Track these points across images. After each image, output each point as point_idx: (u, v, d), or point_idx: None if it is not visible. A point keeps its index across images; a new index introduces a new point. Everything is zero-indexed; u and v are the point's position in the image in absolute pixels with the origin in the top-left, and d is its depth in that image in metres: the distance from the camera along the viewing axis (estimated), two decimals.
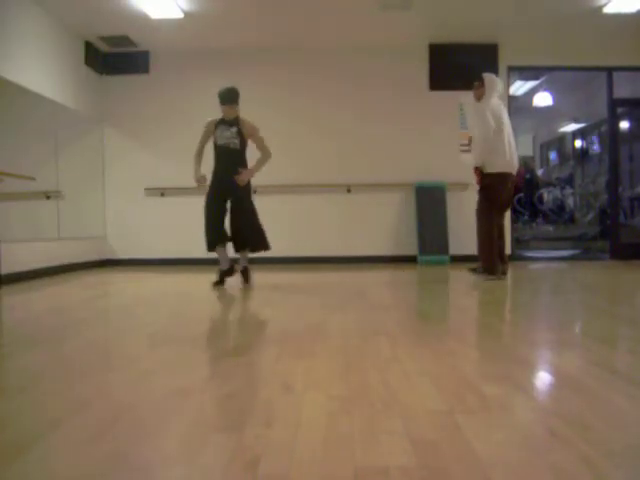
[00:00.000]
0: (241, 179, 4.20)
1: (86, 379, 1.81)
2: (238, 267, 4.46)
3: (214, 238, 4.24)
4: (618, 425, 1.32)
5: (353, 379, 1.73)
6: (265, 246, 4.35)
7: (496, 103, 4.59)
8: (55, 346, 2.32)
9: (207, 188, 4.30)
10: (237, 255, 4.44)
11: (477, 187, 4.70)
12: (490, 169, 4.54)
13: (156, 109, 6.86)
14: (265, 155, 4.37)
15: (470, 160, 4.81)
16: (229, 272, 4.39)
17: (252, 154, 4.41)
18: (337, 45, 6.69)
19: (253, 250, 4.39)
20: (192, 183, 6.59)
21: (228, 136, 4.21)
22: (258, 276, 4.88)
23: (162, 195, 6.87)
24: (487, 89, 4.61)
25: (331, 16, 5.86)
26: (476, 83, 4.71)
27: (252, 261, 5.34)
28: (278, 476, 1.08)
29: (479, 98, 4.68)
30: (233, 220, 4.28)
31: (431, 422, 1.35)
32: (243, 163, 4.30)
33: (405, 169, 6.78)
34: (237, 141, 4.23)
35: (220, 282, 4.35)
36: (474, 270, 4.79)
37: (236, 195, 4.24)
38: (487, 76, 4.66)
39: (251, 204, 4.32)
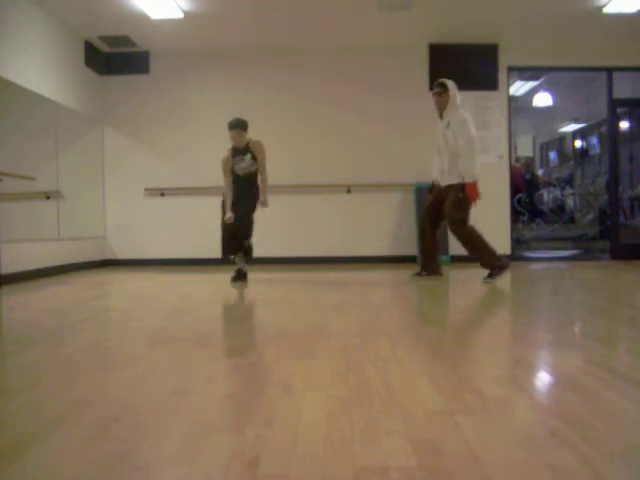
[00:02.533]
0: (266, 206, 4.57)
1: (86, 379, 1.82)
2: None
3: (226, 251, 4.61)
4: (618, 425, 1.32)
5: (353, 379, 1.73)
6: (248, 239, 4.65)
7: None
8: (55, 346, 2.32)
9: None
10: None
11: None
12: (474, 179, 4.29)
13: (156, 109, 6.85)
14: (265, 178, 4.60)
15: (467, 174, 4.27)
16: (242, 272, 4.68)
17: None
18: (337, 45, 6.68)
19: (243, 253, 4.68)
20: (191, 183, 6.65)
21: (246, 166, 4.53)
22: (258, 276, 4.88)
23: (162, 195, 6.87)
24: (452, 97, 4.34)
25: (331, 16, 5.86)
26: (438, 89, 4.41)
27: (252, 261, 5.33)
28: (278, 476, 1.08)
29: (443, 106, 4.38)
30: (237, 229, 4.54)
31: (431, 422, 1.35)
32: (255, 180, 4.61)
33: (405, 169, 6.77)
34: (254, 166, 4.55)
35: (238, 278, 4.62)
36: (490, 276, 4.40)
37: (244, 207, 4.53)
38: (451, 83, 4.39)
39: (252, 215, 4.61)
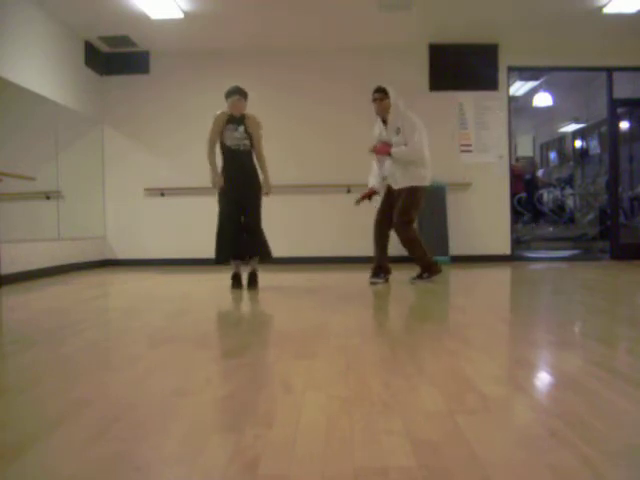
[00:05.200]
0: (269, 193, 4.20)
1: (86, 379, 1.81)
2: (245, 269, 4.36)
3: (221, 259, 4.17)
4: (618, 425, 1.32)
5: (353, 379, 1.73)
6: (269, 256, 4.28)
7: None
8: (55, 346, 2.32)
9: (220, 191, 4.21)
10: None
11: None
12: (424, 183, 4.34)
13: (156, 109, 6.85)
14: (263, 159, 4.23)
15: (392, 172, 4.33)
16: (238, 277, 4.30)
17: None
18: (337, 45, 6.68)
19: (261, 261, 4.32)
20: (191, 183, 6.63)
21: (237, 137, 4.11)
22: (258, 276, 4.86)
23: (162, 195, 6.87)
24: (393, 103, 4.25)
25: (331, 16, 5.86)
26: (377, 95, 4.27)
27: None
28: (278, 476, 1.08)
29: (384, 112, 4.27)
30: (246, 230, 4.18)
31: (431, 422, 1.34)
32: (253, 165, 4.21)
33: None
34: (247, 141, 4.13)
35: (236, 284, 4.27)
36: (420, 277, 4.45)
37: (251, 204, 4.15)
38: (392, 89, 4.30)
39: (260, 214, 4.23)
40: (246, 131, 4.12)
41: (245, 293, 4.07)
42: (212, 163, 4.20)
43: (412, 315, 3.21)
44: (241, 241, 4.17)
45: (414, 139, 4.19)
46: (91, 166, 6.76)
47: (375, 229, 4.47)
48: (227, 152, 4.16)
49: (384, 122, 4.32)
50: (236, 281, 4.26)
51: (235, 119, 4.13)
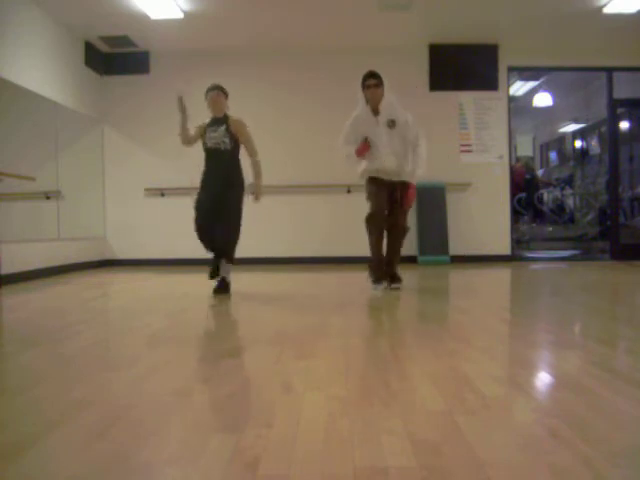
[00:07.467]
0: (258, 200, 4.06)
1: (86, 379, 1.81)
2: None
3: (207, 247, 4.05)
4: (618, 425, 1.32)
5: (353, 379, 1.73)
6: (230, 259, 4.03)
7: None
8: (55, 346, 2.32)
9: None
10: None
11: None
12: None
13: (156, 109, 6.85)
14: (256, 160, 4.07)
15: (418, 173, 4.09)
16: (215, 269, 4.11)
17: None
18: (337, 45, 6.68)
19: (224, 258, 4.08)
20: (192, 183, 6.62)
21: (216, 137, 3.93)
22: (258, 276, 4.87)
23: (162, 195, 6.86)
24: (387, 92, 4.04)
25: (331, 16, 5.86)
26: (374, 80, 4.03)
27: (253, 261, 5.31)
28: (278, 476, 1.08)
29: (379, 100, 4.05)
30: (217, 226, 3.93)
31: (431, 422, 1.34)
32: (235, 166, 3.99)
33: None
34: (227, 140, 3.93)
35: (215, 274, 4.09)
36: (399, 281, 4.16)
37: (228, 207, 3.91)
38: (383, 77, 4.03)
39: (239, 213, 3.98)
40: (227, 130, 3.94)
41: (244, 293, 4.07)
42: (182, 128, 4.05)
43: (412, 315, 3.21)
44: (214, 237, 3.95)
45: (423, 139, 4.01)
46: (91, 166, 6.76)
47: (380, 224, 4.14)
48: (207, 152, 4.00)
49: (374, 112, 4.06)
50: (212, 272, 4.08)
51: (217, 120, 3.99)
